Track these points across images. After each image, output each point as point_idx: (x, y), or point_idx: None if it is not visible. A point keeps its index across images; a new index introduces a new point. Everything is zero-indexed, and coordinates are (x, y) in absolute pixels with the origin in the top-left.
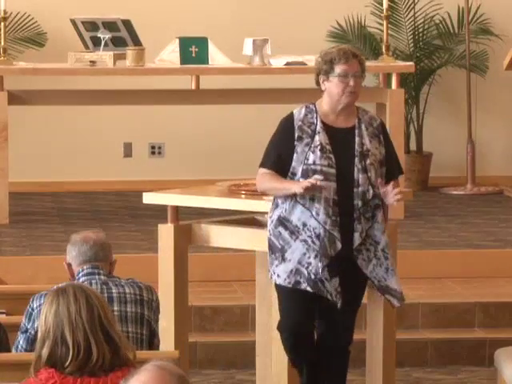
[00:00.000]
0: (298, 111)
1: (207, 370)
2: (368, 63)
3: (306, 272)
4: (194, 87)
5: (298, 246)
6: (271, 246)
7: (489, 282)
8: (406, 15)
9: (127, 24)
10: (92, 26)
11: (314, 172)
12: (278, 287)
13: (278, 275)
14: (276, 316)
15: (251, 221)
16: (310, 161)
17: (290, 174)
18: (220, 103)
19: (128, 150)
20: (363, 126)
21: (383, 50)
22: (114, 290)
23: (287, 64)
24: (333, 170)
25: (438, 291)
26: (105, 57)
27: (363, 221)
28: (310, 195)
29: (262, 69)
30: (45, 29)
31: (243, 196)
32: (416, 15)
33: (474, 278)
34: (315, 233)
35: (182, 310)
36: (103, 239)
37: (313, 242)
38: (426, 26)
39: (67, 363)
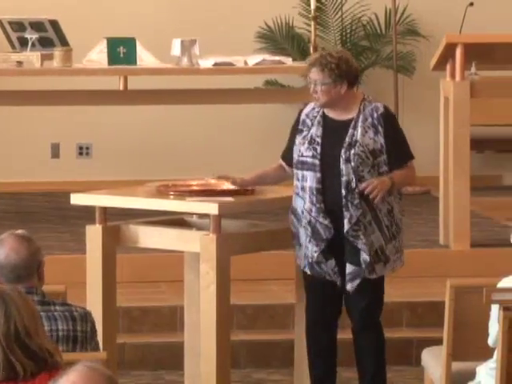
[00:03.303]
0: (308, 106)
1: (136, 371)
2: (296, 64)
3: (305, 255)
4: (122, 88)
5: (302, 231)
6: (292, 234)
7: (416, 281)
8: (334, 16)
9: (54, 24)
10: (19, 26)
11: (302, 163)
12: (301, 272)
13: (300, 258)
14: (203, 317)
15: (180, 221)
16: (300, 152)
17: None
18: (148, 104)
19: (55, 151)
20: (361, 118)
21: (311, 50)
22: (46, 328)
23: (215, 64)
24: (316, 161)
25: None
26: (32, 57)
27: (351, 208)
28: (301, 185)
29: (191, 69)
30: None
31: (172, 197)
32: (343, 16)
33: (401, 278)
34: (307, 219)
35: (109, 311)
36: (25, 253)
37: (305, 227)
38: (354, 27)
39: None
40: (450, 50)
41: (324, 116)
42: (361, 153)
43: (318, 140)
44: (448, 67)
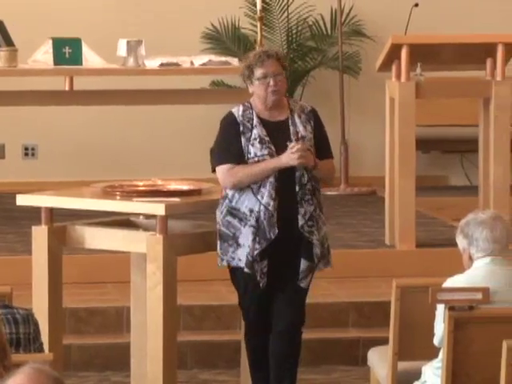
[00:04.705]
0: (237, 109)
1: (82, 373)
2: (242, 64)
3: (246, 254)
4: (67, 88)
5: (247, 231)
6: (222, 236)
7: (363, 281)
8: (280, 17)
9: None
10: None
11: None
12: (237, 270)
13: (239, 259)
14: (150, 317)
15: (126, 222)
16: (252, 154)
17: None
18: (94, 104)
19: (1, 152)
20: (296, 116)
21: None
22: None
23: (161, 65)
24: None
25: (312, 291)
26: None
27: (304, 204)
28: (261, 182)
29: (137, 70)
30: None
31: (118, 197)
32: (289, 17)
33: (347, 278)
34: (257, 216)
35: (56, 312)
36: None
37: (253, 226)
38: (300, 28)
39: None
40: (395, 50)
41: (260, 118)
42: (310, 147)
43: (267, 139)
44: (393, 68)
